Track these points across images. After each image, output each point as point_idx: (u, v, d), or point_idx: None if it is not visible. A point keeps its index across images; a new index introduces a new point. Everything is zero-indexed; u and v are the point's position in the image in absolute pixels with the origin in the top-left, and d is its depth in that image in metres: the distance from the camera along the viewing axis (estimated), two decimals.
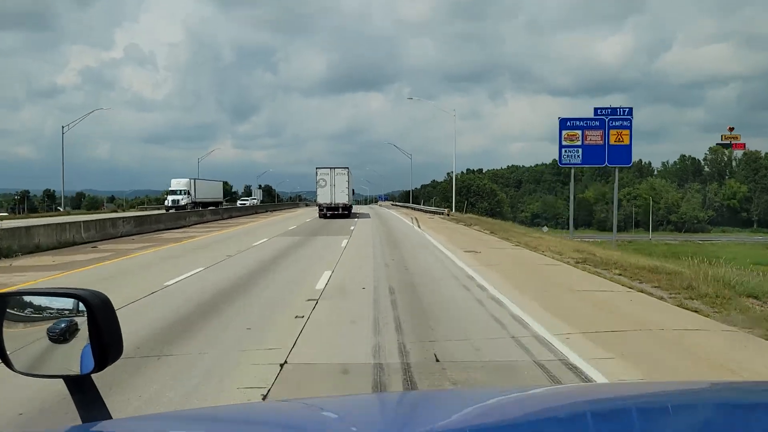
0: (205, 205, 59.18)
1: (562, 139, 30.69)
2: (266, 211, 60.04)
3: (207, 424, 1.39)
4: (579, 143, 30.62)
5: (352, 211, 46.55)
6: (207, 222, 36.43)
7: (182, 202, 56.58)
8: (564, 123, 30.83)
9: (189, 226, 31.91)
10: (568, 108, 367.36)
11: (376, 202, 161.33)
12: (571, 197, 31.38)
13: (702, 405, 1.41)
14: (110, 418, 1.33)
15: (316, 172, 43.26)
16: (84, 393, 1.33)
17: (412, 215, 45.42)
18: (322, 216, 41.62)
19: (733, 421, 1.27)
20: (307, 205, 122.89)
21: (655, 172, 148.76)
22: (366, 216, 43.85)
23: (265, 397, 4.80)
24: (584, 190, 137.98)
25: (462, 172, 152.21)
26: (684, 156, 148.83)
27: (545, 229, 57.24)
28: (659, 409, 1.36)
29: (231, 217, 44.85)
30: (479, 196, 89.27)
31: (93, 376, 1.33)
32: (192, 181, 61.37)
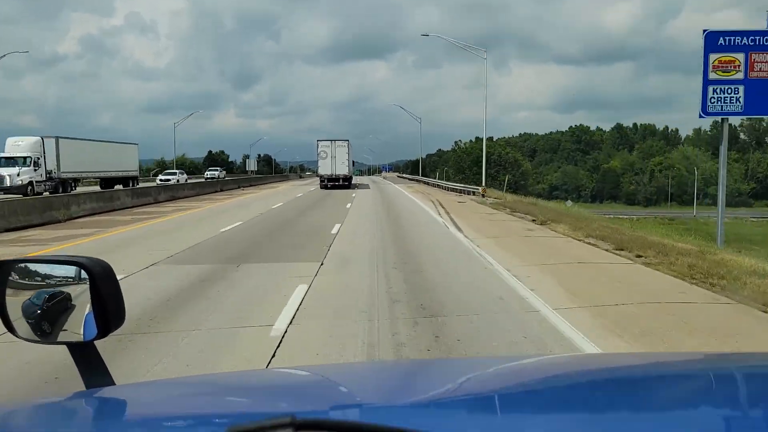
0: (77, 182, 35.61)
1: (710, 68, 17.22)
2: (234, 189, 46.22)
3: (210, 391, 1.40)
4: (739, 75, 17.21)
5: (353, 182, 48.38)
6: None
7: (6, 182, 28.92)
8: (713, 40, 17.32)
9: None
10: (574, 76, 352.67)
11: (380, 172, 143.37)
12: (722, 160, 17.52)
13: (699, 375, 1.41)
14: (113, 384, 1.35)
15: (317, 144, 44.88)
16: (88, 359, 1.36)
17: (431, 196, 31.85)
18: (323, 187, 42.87)
19: (730, 391, 1.27)
20: (301, 177, 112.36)
21: (683, 140, 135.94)
22: (365, 187, 44.09)
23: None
24: (608, 160, 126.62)
25: (470, 141, 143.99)
26: (717, 122, 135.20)
27: (569, 203, 49.41)
28: (656, 379, 1.37)
29: (142, 205, 25.80)
30: (500, 166, 75.34)
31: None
32: (42, 141, 32.04)
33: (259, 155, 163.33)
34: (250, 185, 53.65)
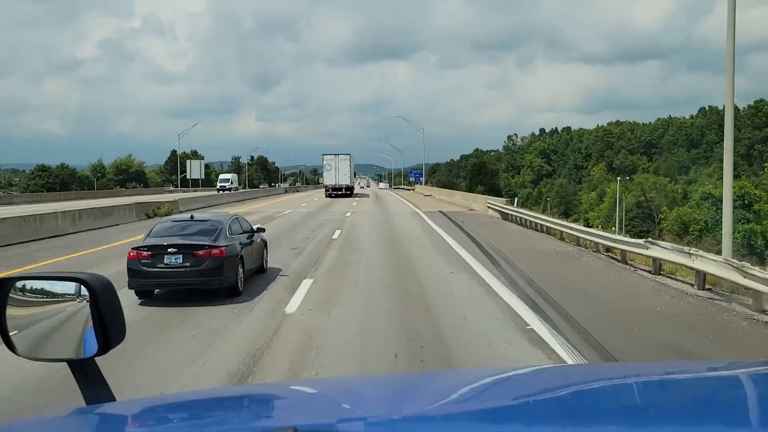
0: None
1: None
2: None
3: (211, 406, 1.39)
4: None
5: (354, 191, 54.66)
6: None
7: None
8: None
9: None
10: (602, 75, 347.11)
11: (409, 183, 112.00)
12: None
13: (694, 383, 1.42)
14: (114, 400, 1.34)
15: (323, 158, 51.75)
16: (88, 376, 1.34)
17: None
18: (328, 195, 48.65)
19: (721, 399, 1.27)
20: (288, 190, 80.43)
21: None
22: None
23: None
24: None
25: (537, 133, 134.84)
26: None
27: None
28: (650, 388, 1.39)
29: None
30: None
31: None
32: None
33: (252, 157, 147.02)
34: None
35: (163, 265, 8.76)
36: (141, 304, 8.85)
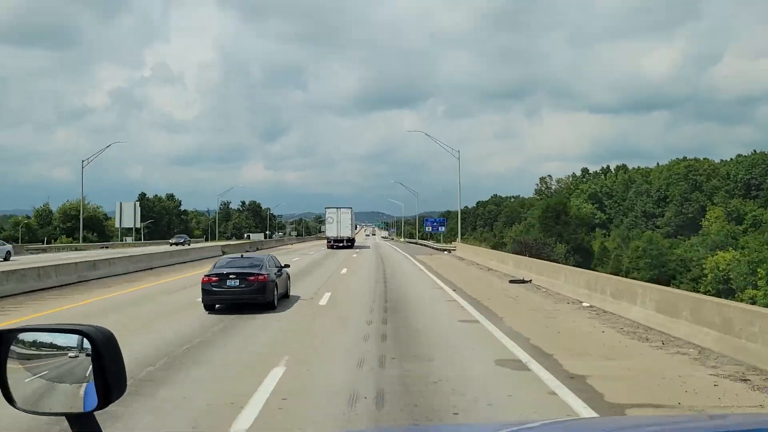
0: None
1: None
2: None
3: None
4: None
5: (355, 243, 56.81)
6: None
7: None
8: None
9: None
10: (609, 125, 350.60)
11: (427, 236, 73.98)
12: None
13: None
14: None
15: (325, 211, 55.47)
16: (85, 430, 1.32)
17: None
18: (330, 247, 51.30)
19: None
20: (280, 241, 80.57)
21: None
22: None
23: None
24: None
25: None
26: None
27: None
28: None
29: None
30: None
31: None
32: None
33: (243, 203, 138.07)
34: None
35: (226, 287, 13.12)
36: (210, 314, 13.12)
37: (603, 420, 3.34)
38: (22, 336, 1.38)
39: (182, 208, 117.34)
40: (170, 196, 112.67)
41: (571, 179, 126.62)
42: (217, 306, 13.56)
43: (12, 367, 1.35)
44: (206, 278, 13.31)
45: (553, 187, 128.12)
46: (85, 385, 1.31)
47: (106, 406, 1.29)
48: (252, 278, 13.23)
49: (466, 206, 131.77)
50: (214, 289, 13.16)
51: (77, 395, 1.32)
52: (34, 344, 1.39)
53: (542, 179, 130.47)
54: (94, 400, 1.29)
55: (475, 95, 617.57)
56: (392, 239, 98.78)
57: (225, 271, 13.44)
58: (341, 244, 51.69)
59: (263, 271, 13.53)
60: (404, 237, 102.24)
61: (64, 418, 1.35)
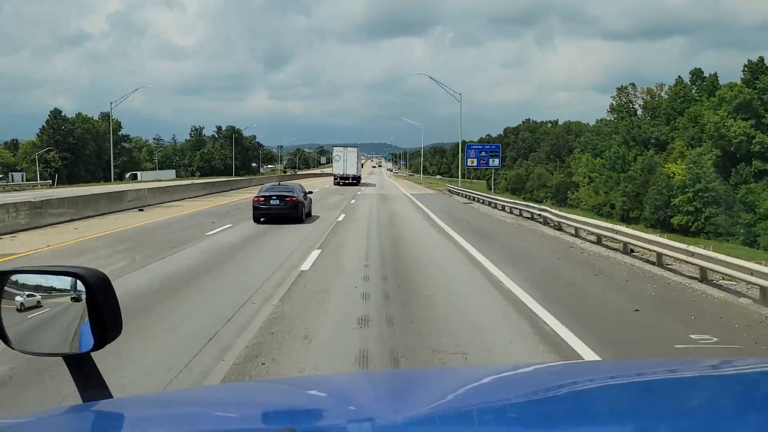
0: None
1: None
2: None
3: (207, 405, 1.41)
4: None
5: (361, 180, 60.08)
6: None
7: None
8: None
9: None
10: (622, 53, 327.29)
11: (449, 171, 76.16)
12: None
13: (698, 381, 1.41)
14: (111, 397, 1.34)
15: (332, 150, 61.85)
16: (84, 372, 1.34)
17: None
18: (336, 184, 54.27)
19: (730, 396, 1.28)
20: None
21: None
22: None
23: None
24: None
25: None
26: None
27: None
28: (656, 387, 1.37)
29: None
30: None
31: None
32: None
33: (219, 128, 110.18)
34: None
35: (270, 205, 18.31)
36: (258, 224, 18.25)
37: (604, 362, 3.68)
38: (14, 278, 1.39)
39: (123, 132, 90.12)
40: (105, 116, 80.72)
41: (674, 88, 71.94)
42: (261, 219, 18.61)
43: (6, 307, 1.35)
44: (256, 198, 18.56)
45: (641, 101, 77.03)
46: (80, 326, 1.32)
47: (102, 347, 1.30)
48: (288, 199, 18.40)
49: (488, 134, 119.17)
50: (262, 206, 18.34)
51: (73, 337, 1.33)
52: (28, 286, 1.40)
53: (622, 89, 77.95)
54: (90, 342, 1.30)
55: (486, 22, 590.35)
56: (396, 173, 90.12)
57: (268, 193, 18.68)
58: (347, 181, 54.62)
59: (296, 194, 18.75)
60: (421, 173, 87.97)
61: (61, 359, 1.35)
